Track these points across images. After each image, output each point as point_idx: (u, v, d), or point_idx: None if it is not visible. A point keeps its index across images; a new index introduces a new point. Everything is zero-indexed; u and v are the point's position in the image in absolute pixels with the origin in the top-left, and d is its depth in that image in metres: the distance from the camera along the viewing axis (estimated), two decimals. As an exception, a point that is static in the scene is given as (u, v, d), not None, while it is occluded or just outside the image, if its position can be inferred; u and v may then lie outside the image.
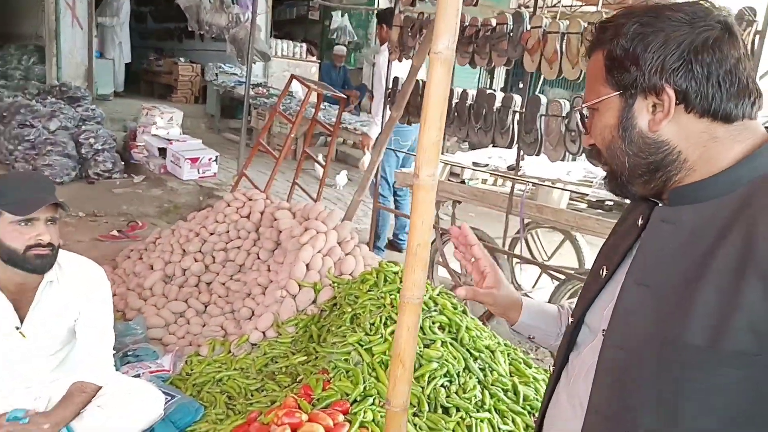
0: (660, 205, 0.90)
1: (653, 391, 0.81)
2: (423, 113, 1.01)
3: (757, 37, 2.30)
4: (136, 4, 11.16)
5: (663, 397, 0.80)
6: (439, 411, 2.12)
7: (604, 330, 0.91)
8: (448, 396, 2.15)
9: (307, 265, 2.96)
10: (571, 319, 1.04)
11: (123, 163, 6.47)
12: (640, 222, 0.92)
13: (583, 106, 0.93)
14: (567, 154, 3.04)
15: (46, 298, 1.95)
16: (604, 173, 0.96)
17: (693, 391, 0.78)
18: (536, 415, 1.13)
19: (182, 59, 10.20)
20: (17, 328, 1.92)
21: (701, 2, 0.85)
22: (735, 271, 0.75)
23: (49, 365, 2.06)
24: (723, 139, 0.83)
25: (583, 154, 3.02)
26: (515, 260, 4.04)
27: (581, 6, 5.36)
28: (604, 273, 0.96)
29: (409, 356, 1.11)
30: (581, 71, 2.86)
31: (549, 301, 3.58)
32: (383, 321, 2.36)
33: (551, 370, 1.06)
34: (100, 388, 2.01)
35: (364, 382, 2.09)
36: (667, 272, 0.83)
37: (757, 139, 0.83)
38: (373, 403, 2.02)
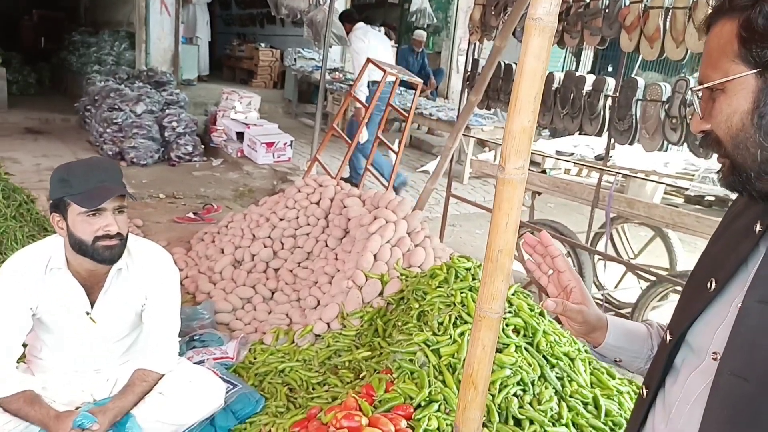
0: None
1: None
2: (513, 93, 0.84)
3: None
4: (221, -9, 11.49)
5: None
6: (511, 422, 1.94)
7: (715, 353, 0.80)
8: (521, 407, 1.97)
9: (374, 256, 2.85)
10: (669, 337, 0.90)
11: (203, 146, 6.63)
12: (758, 228, 0.78)
13: (706, 85, 0.77)
14: (665, 143, 2.73)
15: (116, 285, 1.94)
16: (720, 165, 0.81)
17: None
18: None
19: (263, 44, 10.36)
20: (87, 313, 1.93)
21: None
22: None
23: (117, 350, 2.06)
24: None
25: (684, 144, 2.70)
26: (597, 257, 3.75)
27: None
28: (713, 286, 0.82)
29: (483, 378, 0.95)
30: (687, 50, 2.54)
31: (636, 304, 3.28)
32: (452, 321, 2.20)
33: (642, 392, 0.93)
34: (162, 376, 1.99)
35: (430, 386, 1.95)
36: None
37: None
38: (438, 410, 1.88)
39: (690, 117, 2.60)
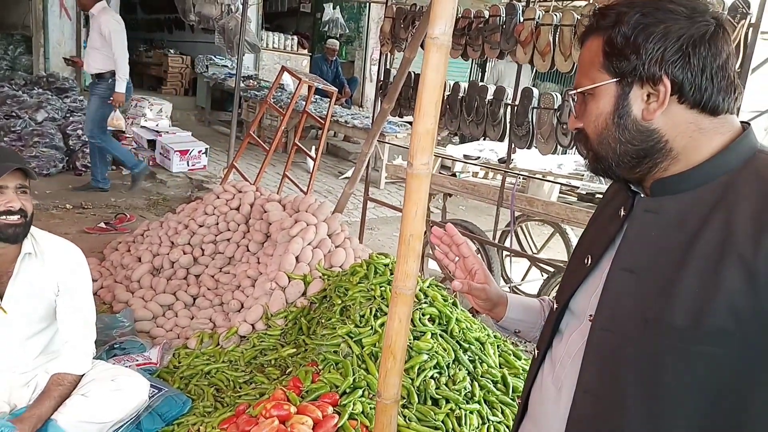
0: (642, 196, 0.94)
1: (637, 368, 0.86)
2: (417, 101, 0.99)
3: (751, 29, 2.30)
4: (125, -5, 11.04)
5: (648, 374, 0.85)
6: (429, 403, 2.11)
7: (590, 315, 0.95)
8: (437, 388, 2.15)
9: (296, 258, 2.94)
10: (555, 306, 1.06)
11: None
12: (622, 212, 0.95)
13: (579, 90, 0.94)
14: (558, 147, 3.04)
15: (25, 271, 1.93)
16: (586, 154, 0.98)
17: (674, 368, 0.83)
18: (518, 399, 1.15)
19: (172, 51, 10.09)
20: None
21: None
22: (715, 256, 0.80)
23: (32, 348, 2.02)
24: (707, 131, 0.86)
25: (574, 147, 3.02)
26: (505, 253, 4.05)
27: (573, 1, 5.35)
28: (589, 261, 0.98)
29: (400, 348, 1.10)
30: (573, 64, 2.85)
31: (539, 293, 3.59)
32: (373, 313, 2.35)
33: (535, 353, 1.09)
34: (80, 377, 1.99)
35: (354, 374, 2.08)
36: (651, 259, 0.87)
37: (734, 132, 0.87)
38: (362, 395, 2.01)
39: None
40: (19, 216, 1.84)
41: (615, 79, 0.88)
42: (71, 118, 6.34)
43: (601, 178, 2.93)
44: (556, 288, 3.48)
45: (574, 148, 2.96)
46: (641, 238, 0.90)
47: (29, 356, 2.03)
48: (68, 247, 2.07)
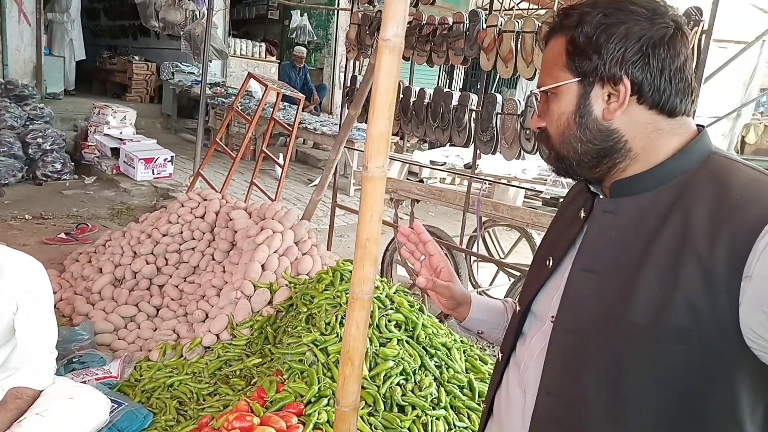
0: (601, 197, 0.94)
1: (599, 367, 0.86)
2: (371, 103, 0.98)
3: (704, 36, 2.36)
4: (89, 1, 10.81)
5: (608, 372, 0.85)
6: (395, 410, 2.09)
7: (552, 316, 0.95)
8: (404, 394, 2.13)
9: (262, 266, 2.90)
10: (518, 308, 1.06)
11: (73, 163, 6.25)
12: (582, 214, 0.96)
13: (541, 89, 0.94)
14: (522, 152, 3.07)
15: None
16: (548, 154, 0.98)
17: (635, 366, 0.83)
18: (483, 403, 1.14)
19: (137, 57, 9.92)
20: None
21: (658, 0, 0.88)
22: (673, 254, 0.80)
23: None
24: (665, 132, 0.87)
25: (537, 152, 3.06)
26: (473, 258, 4.07)
27: (537, 9, 5.45)
28: (551, 263, 0.99)
29: (358, 354, 1.08)
30: (536, 70, 2.89)
31: (506, 297, 3.61)
32: (339, 320, 2.32)
33: (498, 357, 1.09)
34: (39, 392, 1.91)
35: (319, 383, 2.05)
36: (611, 258, 0.88)
37: (691, 133, 0.89)
38: (327, 404, 1.99)
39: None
40: None
41: (577, 79, 0.88)
42: (31, 126, 6.18)
43: (564, 181, 2.97)
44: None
45: (538, 152, 2.99)
46: (601, 238, 0.90)
47: None
48: (27, 263, 1.98)
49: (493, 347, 3.51)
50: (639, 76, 0.85)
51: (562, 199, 3.44)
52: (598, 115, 0.88)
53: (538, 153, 2.97)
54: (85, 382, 2.34)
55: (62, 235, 4.39)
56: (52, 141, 6.10)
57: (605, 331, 0.85)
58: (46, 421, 1.86)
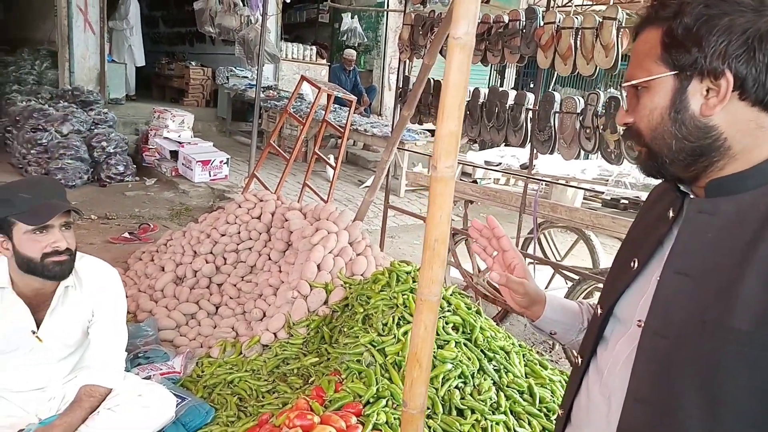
0: (692, 197, 0.90)
1: (696, 374, 0.82)
2: (441, 103, 0.97)
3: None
4: (148, 9, 11.24)
5: (707, 380, 0.81)
6: (454, 413, 2.07)
7: (639, 321, 0.91)
8: (462, 398, 2.11)
9: (318, 266, 2.93)
10: (599, 311, 1.02)
11: (135, 166, 6.50)
12: (671, 214, 0.91)
13: (633, 82, 0.89)
14: (581, 152, 2.99)
15: (63, 302, 1.93)
16: (638, 154, 0.94)
17: (734, 373, 0.79)
18: (560, 410, 1.10)
19: (193, 63, 10.24)
20: (33, 333, 1.91)
21: None
22: None
23: (64, 369, 2.04)
24: None
25: (598, 152, 2.97)
26: (528, 261, 3.99)
27: (592, 6, 5.30)
28: (635, 265, 0.95)
29: (426, 356, 1.07)
30: (596, 67, 2.81)
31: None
32: (396, 321, 2.32)
33: (578, 361, 1.05)
34: (110, 391, 1.99)
35: (377, 384, 2.05)
36: (707, 261, 0.83)
37: None
38: (386, 405, 1.98)
39: (602, 127, 2.87)
40: (65, 255, 1.82)
41: (673, 72, 0.84)
42: (96, 130, 6.46)
43: (627, 182, 2.84)
44: (581, 296, 3.44)
45: (598, 152, 2.91)
46: (696, 240, 0.86)
47: (60, 376, 2.04)
48: (106, 272, 2.06)
49: (552, 352, 3.43)
50: (743, 71, 0.79)
51: (623, 200, 3.29)
52: (695, 110, 0.83)
53: (598, 153, 2.88)
54: (150, 377, 2.42)
55: (126, 235, 4.57)
56: (116, 144, 6.36)
57: (701, 336, 0.81)
58: (118, 416, 1.93)
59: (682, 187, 0.92)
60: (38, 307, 1.90)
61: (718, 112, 0.82)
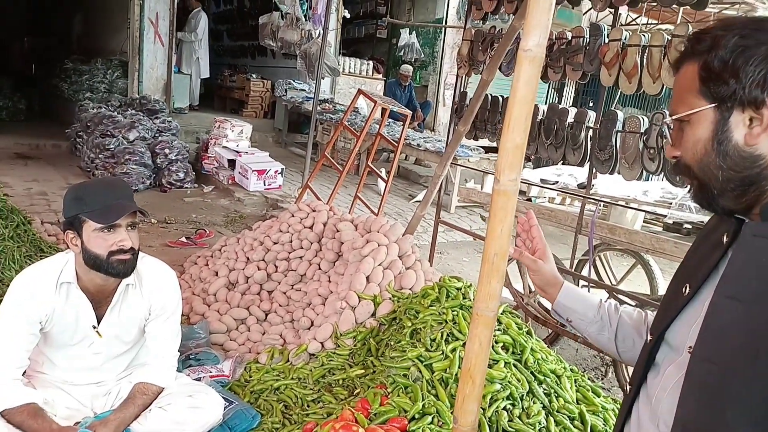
0: (748, 221, 0.89)
1: (746, 403, 0.80)
2: (507, 115, 0.96)
3: None
4: (214, 23, 11.68)
5: (755, 408, 0.79)
6: (501, 436, 2.01)
7: (690, 347, 0.90)
8: (510, 420, 2.04)
9: (367, 278, 2.93)
10: (649, 337, 1.02)
11: (194, 173, 6.72)
12: (725, 239, 0.91)
13: (674, 117, 0.91)
14: (644, 172, 2.89)
15: (124, 299, 2.01)
16: (689, 187, 0.95)
17: None
18: None
19: (254, 75, 10.55)
20: (94, 327, 1.98)
21: None
22: None
23: (120, 364, 2.11)
24: None
25: (662, 174, 2.86)
26: (582, 283, 3.87)
27: (657, 24, 5.15)
28: (687, 291, 0.95)
29: (480, 372, 1.04)
30: (663, 85, 2.72)
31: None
32: (444, 337, 2.28)
33: (627, 389, 1.04)
34: (162, 389, 2.04)
35: (423, 399, 2.02)
36: (762, 287, 0.82)
37: None
38: (431, 422, 1.95)
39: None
40: (130, 254, 1.89)
41: (713, 105, 0.85)
42: (160, 137, 6.73)
43: (692, 205, 2.75)
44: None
45: (662, 174, 2.80)
46: (750, 265, 0.84)
47: (116, 371, 2.11)
48: (165, 273, 2.13)
49: (604, 378, 3.30)
50: None
51: (686, 225, 3.17)
52: (739, 140, 0.84)
53: (662, 174, 2.77)
54: (199, 379, 2.47)
55: (183, 239, 4.71)
56: (178, 152, 6.60)
57: (753, 363, 0.79)
58: (168, 415, 1.98)
59: (738, 215, 0.91)
60: (100, 304, 1.97)
61: (764, 141, 0.82)
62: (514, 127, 0.96)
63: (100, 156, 6.39)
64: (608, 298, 4.07)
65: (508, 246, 1.01)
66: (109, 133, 6.51)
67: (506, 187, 0.97)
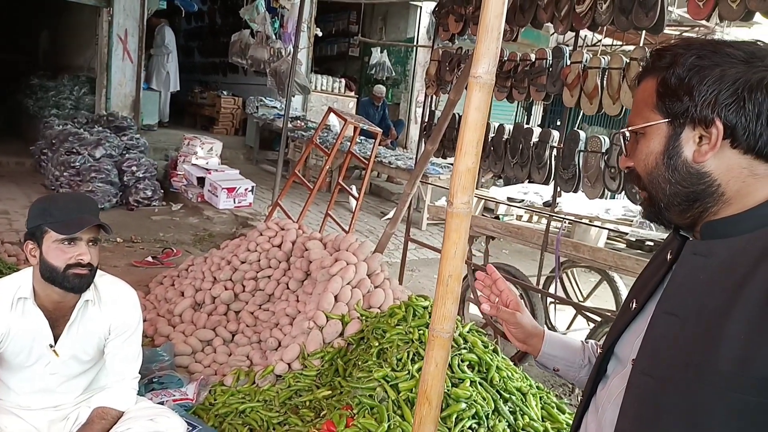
0: (691, 239, 0.92)
1: (679, 415, 0.83)
2: (459, 139, 0.98)
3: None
4: (184, 39, 11.62)
5: (688, 421, 0.81)
6: (467, 455, 2.01)
7: (633, 360, 0.93)
8: (476, 439, 2.05)
9: (335, 297, 2.92)
10: (599, 351, 1.06)
11: (162, 191, 6.62)
12: (669, 257, 0.95)
13: (630, 128, 0.94)
14: (606, 191, 2.95)
15: (82, 317, 1.96)
16: (641, 199, 0.98)
17: (715, 416, 0.79)
18: None
19: (225, 92, 10.50)
20: (51, 346, 1.93)
21: (759, 43, 0.87)
22: (765, 302, 0.76)
23: (78, 385, 2.05)
24: (762, 177, 0.85)
25: (623, 192, 2.93)
26: (549, 300, 3.91)
27: (621, 46, 5.31)
28: (634, 306, 0.98)
29: (436, 394, 1.05)
30: (622, 107, 2.80)
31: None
32: (410, 357, 2.28)
33: (579, 399, 1.06)
34: (122, 414, 1.99)
35: (389, 420, 2.01)
36: (697, 303, 0.85)
37: None
38: (397, 443, 1.94)
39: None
40: (87, 269, 1.86)
41: (666, 120, 0.88)
42: (127, 155, 6.63)
43: (650, 222, 2.83)
44: (603, 338, 3.35)
45: (623, 192, 2.87)
46: (688, 281, 0.88)
47: (74, 394, 2.05)
48: (125, 291, 2.09)
49: (571, 395, 3.33)
50: (733, 120, 0.82)
51: (648, 242, 3.24)
52: (688, 156, 0.87)
53: (623, 192, 2.84)
54: (162, 403, 2.41)
55: (149, 259, 4.63)
56: (145, 169, 6.50)
57: (685, 377, 0.82)
58: (128, 439, 1.92)
59: (682, 231, 0.94)
60: (57, 322, 1.93)
61: (711, 159, 0.85)
62: (466, 151, 0.97)
63: (65, 174, 6.26)
64: (575, 315, 4.13)
65: (462, 267, 1.02)
66: (74, 150, 6.39)
67: (459, 210, 0.99)
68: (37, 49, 11.22)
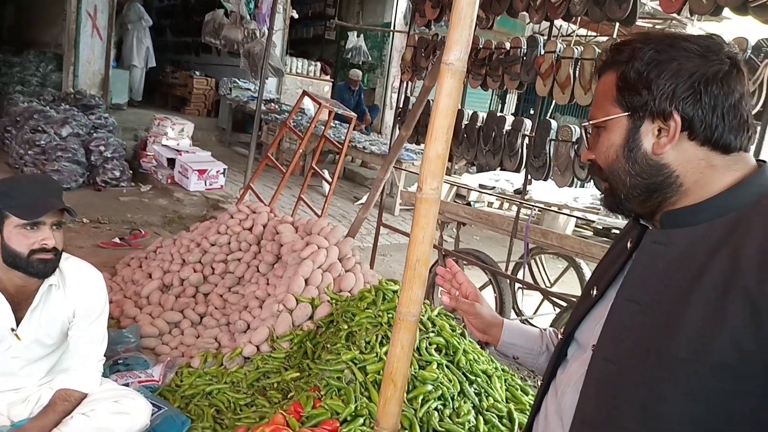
0: (651, 228, 0.95)
1: (638, 400, 0.85)
2: (430, 125, 0.98)
3: (773, 69, 2.26)
4: (156, 17, 11.34)
5: (647, 406, 0.84)
6: (432, 436, 2.04)
7: (593, 345, 0.95)
8: (441, 420, 2.09)
9: (306, 280, 2.92)
10: (560, 336, 1.09)
11: (131, 171, 6.49)
12: (629, 245, 0.97)
13: (591, 122, 0.96)
14: (575, 180, 3.00)
15: (45, 301, 1.92)
16: (603, 190, 1.01)
17: (673, 401, 0.81)
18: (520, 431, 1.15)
19: (197, 72, 10.30)
20: (12, 330, 1.89)
21: (714, 37, 0.90)
22: (721, 289, 0.79)
23: (41, 368, 2.02)
24: (719, 167, 0.87)
25: (591, 181, 2.98)
26: (518, 285, 3.98)
27: (596, 36, 5.37)
28: (595, 293, 1.01)
29: (401, 376, 1.06)
30: (593, 97, 2.84)
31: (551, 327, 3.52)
32: (379, 340, 2.30)
33: (540, 382, 1.11)
34: (85, 395, 1.96)
35: (356, 402, 2.03)
36: (656, 290, 0.87)
37: (748, 169, 0.88)
38: (363, 424, 1.96)
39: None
40: (51, 254, 1.82)
41: (626, 113, 0.90)
42: (95, 134, 6.46)
43: (611, 212, 2.90)
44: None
45: (591, 181, 2.92)
46: (648, 269, 0.90)
47: (36, 377, 2.01)
48: (90, 274, 2.05)
49: (536, 378, 3.40)
50: (690, 112, 0.85)
51: (615, 230, 3.31)
52: (647, 149, 0.89)
53: (591, 182, 2.89)
54: (128, 384, 2.39)
55: (116, 240, 4.54)
56: (113, 149, 6.35)
57: (645, 362, 0.84)
58: (92, 421, 1.90)
59: (642, 221, 0.97)
60: (20, 305, 1.88)
61: (669, 151, 0.88)
62: (436, 137, 0.98)
63: (29, 152, 6.08)
64: (542, 300, 4.21)
65: (430, 252, 1.03)
66: (40, 128, 6.20)
67: (428, 195, 1.00)
68: (1, 24, 10.81)
